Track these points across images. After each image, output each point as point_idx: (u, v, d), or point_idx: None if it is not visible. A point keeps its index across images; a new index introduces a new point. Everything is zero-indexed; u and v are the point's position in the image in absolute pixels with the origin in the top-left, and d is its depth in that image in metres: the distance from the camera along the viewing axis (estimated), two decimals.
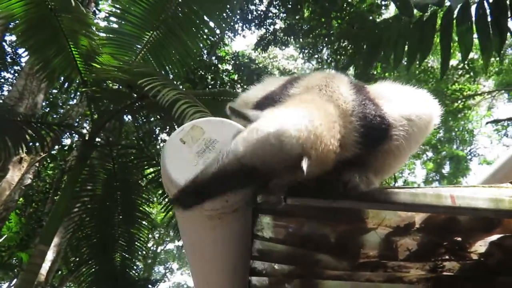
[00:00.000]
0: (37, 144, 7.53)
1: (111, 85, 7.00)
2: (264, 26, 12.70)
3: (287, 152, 1.00)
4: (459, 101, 17.28)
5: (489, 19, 3.07)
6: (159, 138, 13.80)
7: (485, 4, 3.08)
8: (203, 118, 1.07)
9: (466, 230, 1.26)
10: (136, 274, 10.22)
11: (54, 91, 13.79)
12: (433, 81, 16.17)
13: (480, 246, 1.32)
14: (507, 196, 1.15)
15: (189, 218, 1.06)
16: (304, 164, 0.99)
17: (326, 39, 13.09)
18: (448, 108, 17.03)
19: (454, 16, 3.15)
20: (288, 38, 13.17)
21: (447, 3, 3.17)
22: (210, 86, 12.95)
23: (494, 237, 1.30)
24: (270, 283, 1.72)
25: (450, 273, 1.49)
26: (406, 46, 3.43)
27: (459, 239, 1.29)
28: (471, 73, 16.11)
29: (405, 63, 3.75)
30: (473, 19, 3.08)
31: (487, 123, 18.53)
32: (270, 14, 12.76)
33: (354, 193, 1.13)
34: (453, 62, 15.82)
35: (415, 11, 3.32)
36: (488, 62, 3.51)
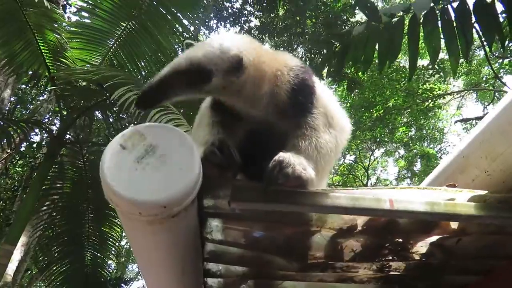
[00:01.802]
0: (4, 140, 7.34)
1: (80, 82, 6.86)
2: (239, 24, 12.68)
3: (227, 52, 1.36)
4: (430, 100, 17.66)
5: (454, 24, 3.16)
6: None
7: (450, 9, 3.17)
8: (146, 123, 1.07)
9: (406, 232, 1.31)
10: (108, 272, 10.08)
11: (23, 86, 13.41)
12: (404, 81, 16.48)
13: (421, 247, 1.37)
14: (442, 199, 1.21)
15: (131, 224, 1.06)
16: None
17: (301, 37, 13.17)
18: (419, 107, 17.41)
19: (420, 20, 3.23)
20: (263, 36, 13.18)
21: (412, 10, 3.25)
22: None
23: (434, 238, 1.35)
24: (225, 284, 1.74)
25: (397, 272, 1.54)
26: (376, 49, 3.51)
27: (400, 240, 1.34)
28: (441, 73, 16.50)
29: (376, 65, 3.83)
30: (439, 23, 3.18)
31: (456, 121, 19.03)
32: (245, 11, 12.75)
33: (290, 173, 1.21)
34: (424, 62, 16.19)
35: (383, 17, 3.39)
36: (456, 65, 3.60)
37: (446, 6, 3.16)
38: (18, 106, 13.73)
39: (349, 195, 1.15)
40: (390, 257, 1.39)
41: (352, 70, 12.60)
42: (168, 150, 0.99)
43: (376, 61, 3.82)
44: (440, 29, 3.20)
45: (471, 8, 3.07)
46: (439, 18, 3.18)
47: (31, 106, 14.09)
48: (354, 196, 1.14)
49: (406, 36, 3.40)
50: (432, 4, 3.10)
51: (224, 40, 1.43)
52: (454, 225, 1.29)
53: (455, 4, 3.14)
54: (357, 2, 3.54)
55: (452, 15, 3.15)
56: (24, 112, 14.09)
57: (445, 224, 1.27)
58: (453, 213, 1.17)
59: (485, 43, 3.57)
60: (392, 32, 3.35)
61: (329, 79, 13.19)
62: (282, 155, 1.24)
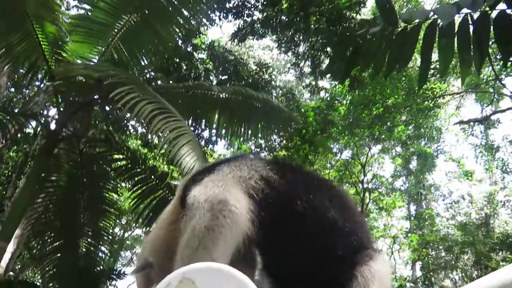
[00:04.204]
0: None
1: (79, 77, 6.71)
2: (242, 17, 12.46)
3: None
4: (430, 100, 17.57)
5: (471, 36, 3.03)
6: (128, 124, 13.41)
7: (469, 20, 3.03)
8: (196, 265, 0.86)
9: None
10: (102, 260, 10.00)
11: (21, 71, 13.15)
12: (405, 79, 16.34)
13: None
14: None
15: None
16: None
17: (304, 33, 12.98)
18: (419, 106, 17.31)
19: (437, 29, 3.09)
20: (266, 30, 12.99)
21: (432, 16, 3.10)
22: (184, 75, 12.67)
23: None
24: None
25: None
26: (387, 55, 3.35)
27: None
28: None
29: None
30: (455, 34, 3.03)
31: (454, 124, 19.00)
32: (249, 5, 12.53)
33: None
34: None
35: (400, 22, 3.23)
36: (465, 76, 3.47)
37: (466, 16, 3.03)
38: (13, 90, 13.45)
39: None
40: None
41: (356, 70, 12.45)
42: None
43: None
44: (456, 39, 3.06)
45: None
46: (456, 29, 3.04)
47: (28, 91, 13.82)
48: None
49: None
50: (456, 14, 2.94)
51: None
52: None
53: (475, 15, 3.01)
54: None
55: (471, 26, 3.02)
56: (20, 97, 13.85)
57: None
58: None
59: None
60: (405, 39, 3.19)
61: (331, 77, 13.08)
62: None
